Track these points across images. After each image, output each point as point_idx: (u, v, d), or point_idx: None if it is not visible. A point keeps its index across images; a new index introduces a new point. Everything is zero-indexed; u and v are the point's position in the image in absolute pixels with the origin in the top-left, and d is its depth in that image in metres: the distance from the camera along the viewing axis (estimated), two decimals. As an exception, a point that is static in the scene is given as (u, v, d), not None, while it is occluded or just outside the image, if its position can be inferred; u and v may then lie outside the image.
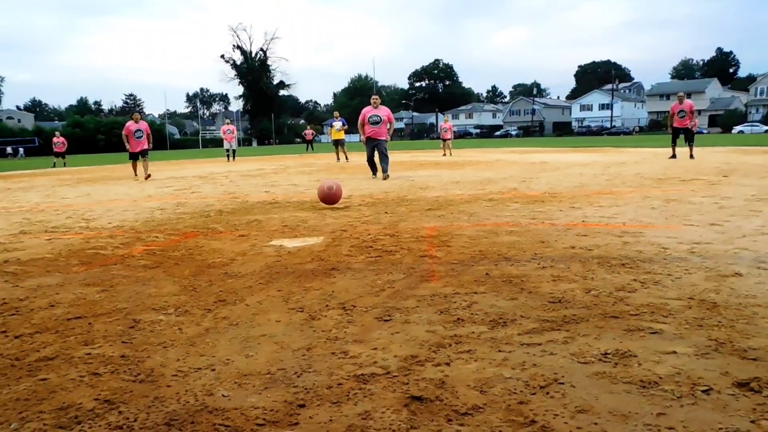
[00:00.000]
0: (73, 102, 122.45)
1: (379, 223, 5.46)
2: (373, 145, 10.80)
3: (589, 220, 5.24)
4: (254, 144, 75.98)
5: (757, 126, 59.56)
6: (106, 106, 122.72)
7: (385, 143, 10.75)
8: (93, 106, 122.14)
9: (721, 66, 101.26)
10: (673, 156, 14.59)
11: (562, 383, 1.88)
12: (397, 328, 2.47)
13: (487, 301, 2.82)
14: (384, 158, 10.70)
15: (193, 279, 3.47)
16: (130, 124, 12.98)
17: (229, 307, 2.88)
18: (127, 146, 13.17)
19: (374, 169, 11.06)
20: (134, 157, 13.17)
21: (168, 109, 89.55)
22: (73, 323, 2.69)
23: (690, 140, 14.48)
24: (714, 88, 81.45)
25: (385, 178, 10.43)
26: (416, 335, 2.38)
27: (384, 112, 10.63)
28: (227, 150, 22.62)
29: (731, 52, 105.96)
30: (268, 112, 77.34)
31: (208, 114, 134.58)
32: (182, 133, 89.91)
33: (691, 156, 14.25)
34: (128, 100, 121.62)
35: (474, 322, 2.51)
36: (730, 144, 24.37)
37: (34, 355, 2.29)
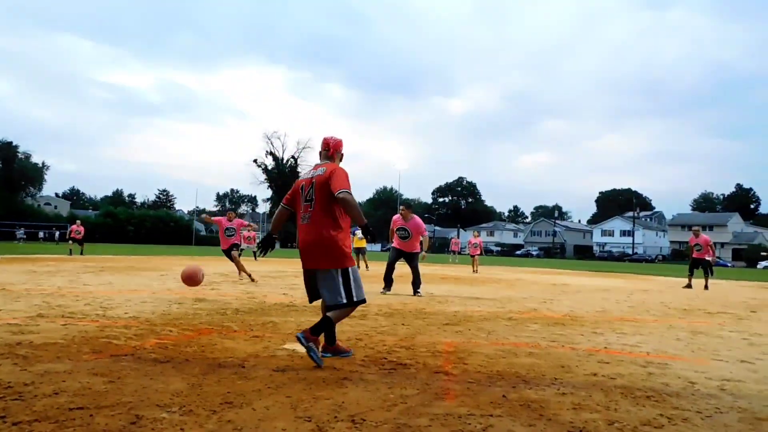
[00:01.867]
0: (109, 193, 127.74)
1: (395, 334, 5.36)
2: (398, 254, 9.88)
3: (611, 346, 5.06)
4: (277, 246, 77.21)
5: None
6: (139, 199, 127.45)
7: (417, 257, 9.84)
8: (127, 198, 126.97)
9: (741, 201, 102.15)
10: (689, 286, 14.69)
11: None
12: (408, 448, 2.34)
13: (503, 426, 2.67)
14: (415, 276, 9.71)
15: (201, 377, 3.38)
16: (223, 220, 12.44)
17: (236, 410, 2.78)
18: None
19: (389, 284, 9.86)
20: (226, 254, 12.23)
21: (197, 207, 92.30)
22: (75, 413, 2.61)
23: (706, 272, 14.69)
24: (736, 222, 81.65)
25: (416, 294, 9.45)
26: (427, 457, 2.24)
27: (413, 225, 9.78)
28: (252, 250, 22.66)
29: (751, 189, 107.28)
30: (293, 216, 79.42)
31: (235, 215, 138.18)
32: (208, 231, 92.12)
33: (706, 287, 14.35)
34: (161, 195, 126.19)
35: (489, 448, 2.37)
36: (755, 279, 23.86)
37: (30, 445, 2.21)
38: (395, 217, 10.08)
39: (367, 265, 19.02)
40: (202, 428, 2.48)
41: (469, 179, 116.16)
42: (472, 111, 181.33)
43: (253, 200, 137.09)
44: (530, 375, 3.77)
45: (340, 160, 4.19)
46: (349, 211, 3.83)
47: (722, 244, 75.92)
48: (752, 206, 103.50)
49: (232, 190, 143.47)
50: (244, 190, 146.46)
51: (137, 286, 9.64)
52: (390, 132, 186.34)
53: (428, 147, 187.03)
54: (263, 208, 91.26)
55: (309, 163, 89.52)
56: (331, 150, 4.13)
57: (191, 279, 6.84)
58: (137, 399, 2.88)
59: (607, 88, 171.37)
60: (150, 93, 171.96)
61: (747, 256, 66.66)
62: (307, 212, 3.97)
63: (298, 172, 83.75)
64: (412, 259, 9.88)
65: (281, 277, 13.17)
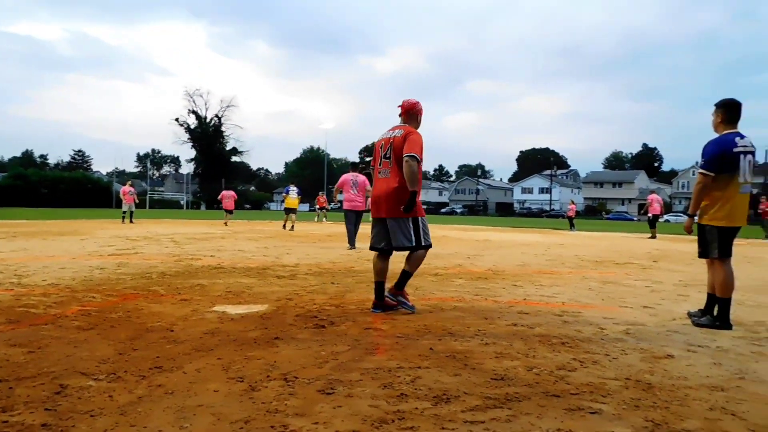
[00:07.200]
0: (18, 154, 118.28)
1: (325, 293, 5.43)
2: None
3: (530, 298, 5.38)
4: (203, 207, 74.81)
5: (681, 216, 64.02)
6: (52, 160, 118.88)
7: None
8: (38, 159, 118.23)
9: (648, 160, 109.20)
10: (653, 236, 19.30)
11: (505, 461, 1.88)
12: (340, 402, 2.43)
13: (431, 377, 2.81)
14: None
15: (129, 343, 3.31)
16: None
17: (166, 374, 2.75)
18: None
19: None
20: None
21: (117, 168, 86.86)
22: (-7, 387, 2.50)
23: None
24: (642, 179, 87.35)
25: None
26: (359, 409, 2.34)
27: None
28: (124, 212, 21.70)
29: (655, 148, 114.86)
30: (219, 176, 76.79)
31: (157, 175, 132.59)
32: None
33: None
34: (76, 156, 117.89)
35: (418, 398, 2.50)
36: (658, 231, 25.80)
37: (-55, 421, 2.11)
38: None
39: (293, 226, 18.81)
40: (131, 394, 2.46)
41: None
42: (399, 71, 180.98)
43: (176, 160, 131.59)
44: (456, 328, 3.97)
45: (418, 124, 4.58)
46: (407, 174, 4.21)
47: (630, 200, 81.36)
48: (656, 164, 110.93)
49: (153, 150, 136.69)
50: (167, 150, 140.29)
51: (55, 251, 9.11)
52: (317, 91, 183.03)
53: (356, 106, 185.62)
54: (187, 168, 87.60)
55: (234, 123, 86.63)
56: (402, 111, 4.58)
57: None
58: (61, 368, 2.79)
59: (529, 51, 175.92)
60: (61, 46, 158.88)
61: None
62: (386, 168, 4.43)
63: (222, 131, 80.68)
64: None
65: (207, 239, 12.86)
